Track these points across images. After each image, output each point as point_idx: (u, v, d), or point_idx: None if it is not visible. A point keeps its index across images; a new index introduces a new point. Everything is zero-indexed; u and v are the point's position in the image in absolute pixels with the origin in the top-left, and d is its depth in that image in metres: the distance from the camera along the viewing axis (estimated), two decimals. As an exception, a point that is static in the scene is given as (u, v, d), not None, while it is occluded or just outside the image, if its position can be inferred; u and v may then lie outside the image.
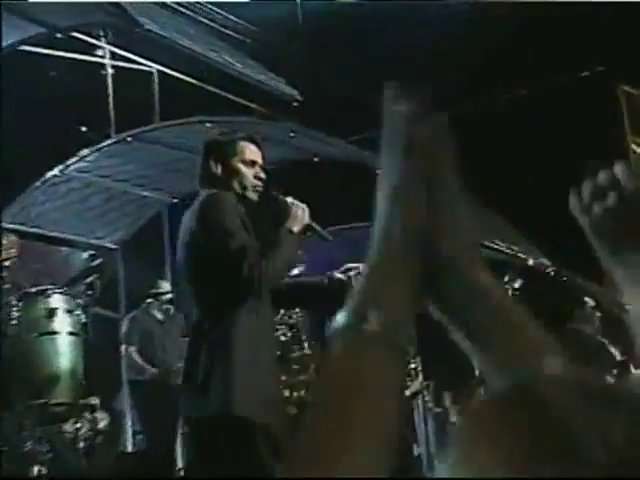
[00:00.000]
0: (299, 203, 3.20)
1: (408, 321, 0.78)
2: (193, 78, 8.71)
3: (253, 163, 3.22)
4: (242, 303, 3.01)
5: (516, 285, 8.73)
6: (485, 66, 8.41)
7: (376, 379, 0.74)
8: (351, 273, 3.34)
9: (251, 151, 3.24)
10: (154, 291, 7.19)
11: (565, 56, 8.36)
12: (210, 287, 3.06)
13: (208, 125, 7.36)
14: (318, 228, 3.31)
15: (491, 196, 9.02)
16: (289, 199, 3.21)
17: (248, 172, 3.20)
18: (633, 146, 8.51)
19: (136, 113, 8.19)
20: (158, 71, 8.77)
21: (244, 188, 3.19)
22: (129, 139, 7.53)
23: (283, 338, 6.33)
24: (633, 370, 4.68)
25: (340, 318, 0.78)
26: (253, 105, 8.98)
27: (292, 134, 7.62)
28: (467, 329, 0.83)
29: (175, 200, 8.56)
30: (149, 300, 7.16)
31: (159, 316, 7.18)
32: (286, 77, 9.39)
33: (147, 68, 8.79)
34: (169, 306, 7.23)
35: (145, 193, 8.40)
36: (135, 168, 8.02)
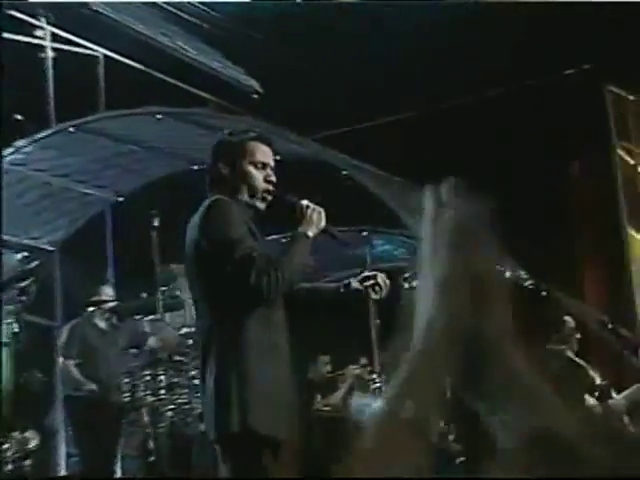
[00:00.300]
0: (315, 206, 3.25)
1: (437, 411, 0.95)
2: (143, 64, 8.66)
3: (264, 165, 3.28)
4: (252, 313, 3.09)
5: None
6: (465, 64, 8.48)
7: (402, 460, 0.91)
8: (367, 283, 3.38)
9: (262, 152, 3.29)
10: (96, 298, 7.13)
11: (549, 53, 8.45)
12: (218, 298, 3.13)
13: (158, 117, 7.33)
14: (335, 232, 3.39)
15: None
16: (304, 201, 3.26)
17: (258, 175, 3.25)
18: (620, 152, 8.63)
19: (79, 101, 8.11)
20: (104, 55, 8.70)
21: (254, 192, 3.24)
22: (70, 129, 7.46)
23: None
24: (614, 395, 4.75)
25: (380, 403, 0.95)
26: (208, 96, 8.95)
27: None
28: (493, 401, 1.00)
29: (120, 199, 8.49)
30: (91, 308, 7.09)
31: (102, 325, 7.11)
32: (246, 67, 9.38)
33: (92, 52, 8.72)
34: (113, 315, 7.17)
35: (87, 190, 8.32)
36: (76, 162, 7.94)
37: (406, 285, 8.90)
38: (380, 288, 3.39)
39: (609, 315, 5.54)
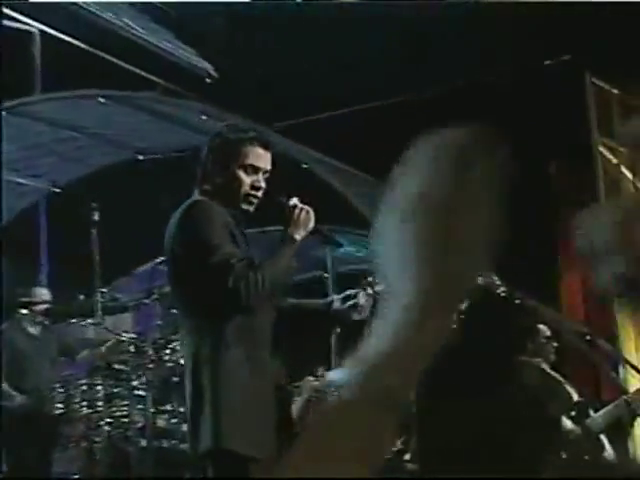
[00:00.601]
0: (304, 206, 3.33)
1: (411, 388, 0.93)
2: (84, 42, 8.58)
3: (255, 170, 3.33)
4: (231, 320, 3.17)
5: (461, 307, 8.88)
6: (436, 53, 8.52)
7: (366, 435, 0.89)
8: (349, 303, 3.49)
9: (255, 155, 3.35)
10: (27, 300, 7.04)
11: (526, 41, 8.52)
12: (195, 304, 3.24)
13: (101, 100, 7.27)
14: (327, 232, 3.47)
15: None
16: (293, 201, 3.34)
17: (246, 180, 3.31)
18: (602, 149, 8.70)
19: (11, 81, 8.01)
20: (40, 32, 8.61)
21: (237, 197, 3.31)
22: (2, 113, 7.37)
23: (183, 361, 6.35)
24: (592, 413, 4.79)
25: (350, 371, 0.92)
26: (156, 79, 8.89)
27: (203, 117, 7.57)
28: None
29: (56, 189, 8.41)
30: (22, 311, 7.00)
31: (33, 331, 7.03)
32: (199, 48, 9.34)
33: (27, 27, 8.62)
34: (45, 318, 7.09)
35: (19, 179, 8.23)
36: (8, 149, 7.84)
37: (369, 290, 8.94)
38: (363, 308, 3.47)
39: (588, 326, 5.60)
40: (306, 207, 3.34)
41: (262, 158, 3.36)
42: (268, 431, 3.20)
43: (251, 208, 3.34)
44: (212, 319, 3.18)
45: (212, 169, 3.34)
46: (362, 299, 3.48)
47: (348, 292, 3.55)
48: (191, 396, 3.19)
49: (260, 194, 3.33)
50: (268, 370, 3.26)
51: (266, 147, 3.39)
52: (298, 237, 3.29)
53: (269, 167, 3.38)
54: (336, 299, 3.53)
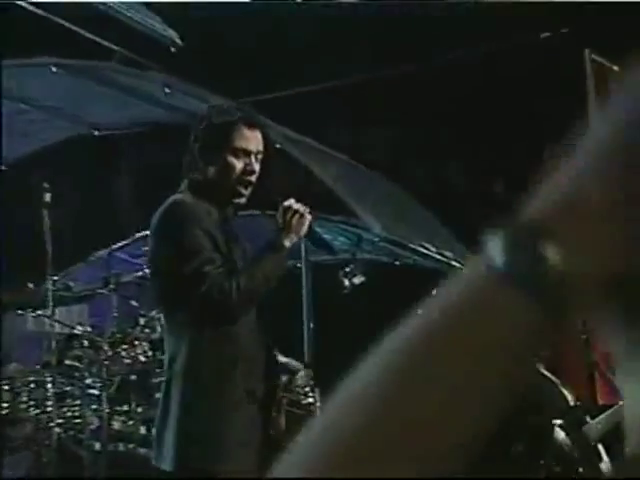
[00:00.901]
0: (300, 208, 3.31)
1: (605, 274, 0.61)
2: (34, 5, 8.47)
3: (246, 152, 3.31)
4: (206, 330, 3.21)
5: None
6: (422, 27, 8.51)
7: (509, 343, 0.60)
8: (287, 378, 3.59)
9: (245, 138, 3.32)
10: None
11: (520, 13, 8.51)
12: (172, 310, 3.30)
13: (53, 69, 7.18)
14: (322, 239, 3.50)
15: (422, 186, 9.14)
16: (288, 202, 3.31)
17: (237, 165, 3.30)
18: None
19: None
20: (-13, -7, 8.50)
21: (228, 188, 3.31)
22: (-57, 82, 7.26)
23: (143, 358, 6.30)
24: (589, 419, 4.79)
25: (494, 244, 0.62)
26: (114, 47, 8.80)
27: (167, 90, 7.51)
28: None
29: (3, 167, 8.31)
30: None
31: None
32: (163, 14, 9.27)
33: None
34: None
35: (-39, 156, 8.13)
36: (-50, 122, 7.75)
37: (346, 282, 8.90)
38: (299, 388, 3.66)
39: (583, 325, 5.59)
40: (302, 209, 3.31)
41: (252, 140, 3.33)
42: (238, 442, 3.21)
43: (243, 200, 3.33)
44: (189, 327, 3.21)
45: (200, 157, 3.33)
46: (300, 380, 3.55)
47: (294, 365, 3.67)
48: (160, 406, 3.23)
49: (254, 178, 3.31)
50: (245, 380, 3.28)
51: (254, 127, 3.36)
52: (288, 244, 3.27)
53: (261, 148, 3.35)
54: (280, 362, 3.57)
